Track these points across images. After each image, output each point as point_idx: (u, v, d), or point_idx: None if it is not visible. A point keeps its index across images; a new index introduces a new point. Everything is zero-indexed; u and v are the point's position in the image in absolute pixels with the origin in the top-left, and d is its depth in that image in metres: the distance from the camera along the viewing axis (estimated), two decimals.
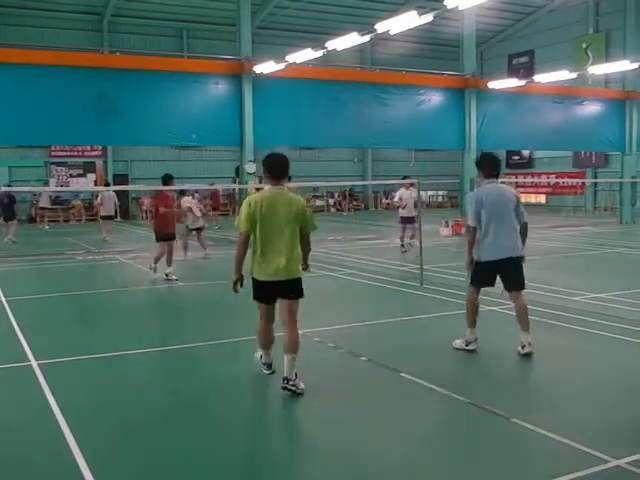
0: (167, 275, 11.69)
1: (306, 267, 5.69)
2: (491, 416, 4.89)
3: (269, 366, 5.91)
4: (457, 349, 6.67)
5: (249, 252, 5.48)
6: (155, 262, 11.89)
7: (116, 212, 20.53)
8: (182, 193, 14.68)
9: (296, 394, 5.29)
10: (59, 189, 29.57)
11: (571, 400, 5.28)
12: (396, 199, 16.04)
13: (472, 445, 4.49)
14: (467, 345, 6.64)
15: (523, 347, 6.47)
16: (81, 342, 7.36)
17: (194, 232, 14.81)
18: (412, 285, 10.74)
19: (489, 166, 6.74)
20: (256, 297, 5.57)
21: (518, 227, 6.56)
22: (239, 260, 5.44)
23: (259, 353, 5.96)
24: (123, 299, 10.36)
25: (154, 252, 12.11)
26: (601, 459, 4.07)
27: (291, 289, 5.44)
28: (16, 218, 19.42)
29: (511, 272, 6.51)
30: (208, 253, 14.63)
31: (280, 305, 5.52)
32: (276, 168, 5.51)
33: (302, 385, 5.36)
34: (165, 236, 11.76)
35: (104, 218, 19.74)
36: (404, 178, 16.38)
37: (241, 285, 5.44)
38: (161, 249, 11.80)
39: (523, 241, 6.59)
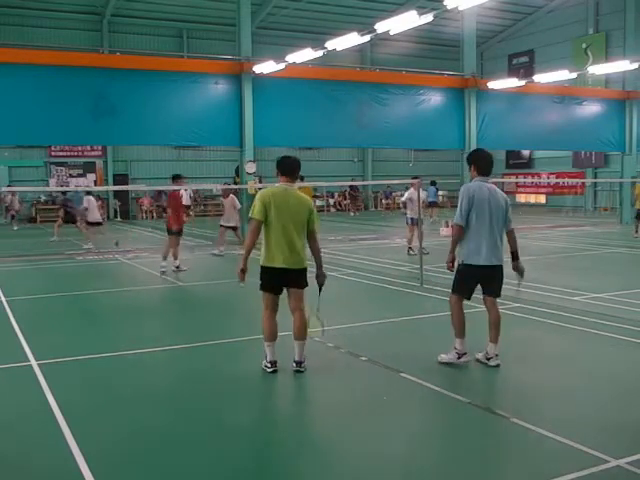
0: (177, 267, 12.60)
1: (320, 274, 5.96)
2: (491, 416, 4.89)
3: (273, 364, 5.99)
4: (446, 364, 6.14)
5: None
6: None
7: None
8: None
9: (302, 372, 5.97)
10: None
11: (571, 400, 5.28)
12: (404, 199, 15.78)
13: (472, 445, 4.48)
14: (460, 358, 6.12)
15: (489, 359, 6.12)
16: (81, 342, 7.36)
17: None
18: (412, 285, 10.74)
19: (485, 163, 6.26)
20: (263, 287, 5.96)
21: (504, 234, 6.20)
22: (247, 249, 5.87)
23: (264, 360, 6.08)
24: (123, 299, 10.36)
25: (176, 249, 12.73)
26: (601, 459, 4.07)
27: (296, 278, 5.90)
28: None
29: (494, 280, 6.15)
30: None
31: (288, 294, 5.98)
32: (288, 168, 6.06)
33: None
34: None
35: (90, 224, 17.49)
36: (414, 178, 16.17)
37: (243, 277, 5.84)
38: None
39: (515, 246, 6.25)
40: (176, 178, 12.79)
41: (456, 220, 6.09)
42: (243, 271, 5.82)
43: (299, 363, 5.97)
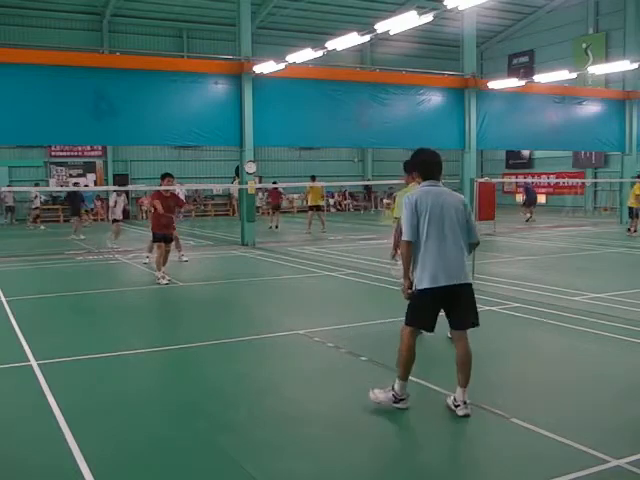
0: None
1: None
2: (491, 416, 4.89)
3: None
4: (377, 404, 5.07)
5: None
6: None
7: None
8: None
9: None
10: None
11: (571, 400, 5.28)
12: None
13: (472, 445, 4.48)
14: (397, 402, 5.05)
15: (457, 406, 4.93)
16: (81, 342, 7.36)
17: None
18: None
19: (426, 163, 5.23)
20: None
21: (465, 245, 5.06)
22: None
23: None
24: (123, 299, 10.36)
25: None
26: (601, 459, 4.07)
27: None
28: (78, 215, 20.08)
29: (461, 304, 4.98)
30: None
31: None
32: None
33: None
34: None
35: None
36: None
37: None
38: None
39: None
40: (165, 177, 11.98)
41: (405, 236, 4.99)
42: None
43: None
